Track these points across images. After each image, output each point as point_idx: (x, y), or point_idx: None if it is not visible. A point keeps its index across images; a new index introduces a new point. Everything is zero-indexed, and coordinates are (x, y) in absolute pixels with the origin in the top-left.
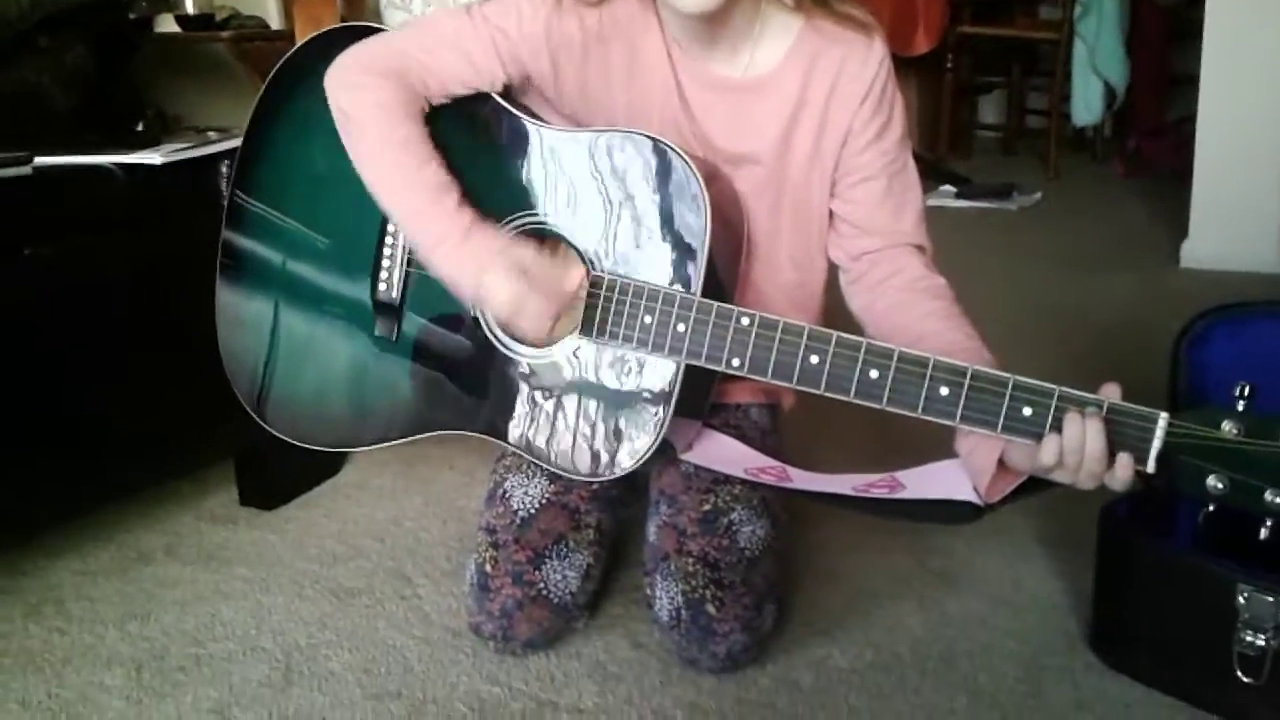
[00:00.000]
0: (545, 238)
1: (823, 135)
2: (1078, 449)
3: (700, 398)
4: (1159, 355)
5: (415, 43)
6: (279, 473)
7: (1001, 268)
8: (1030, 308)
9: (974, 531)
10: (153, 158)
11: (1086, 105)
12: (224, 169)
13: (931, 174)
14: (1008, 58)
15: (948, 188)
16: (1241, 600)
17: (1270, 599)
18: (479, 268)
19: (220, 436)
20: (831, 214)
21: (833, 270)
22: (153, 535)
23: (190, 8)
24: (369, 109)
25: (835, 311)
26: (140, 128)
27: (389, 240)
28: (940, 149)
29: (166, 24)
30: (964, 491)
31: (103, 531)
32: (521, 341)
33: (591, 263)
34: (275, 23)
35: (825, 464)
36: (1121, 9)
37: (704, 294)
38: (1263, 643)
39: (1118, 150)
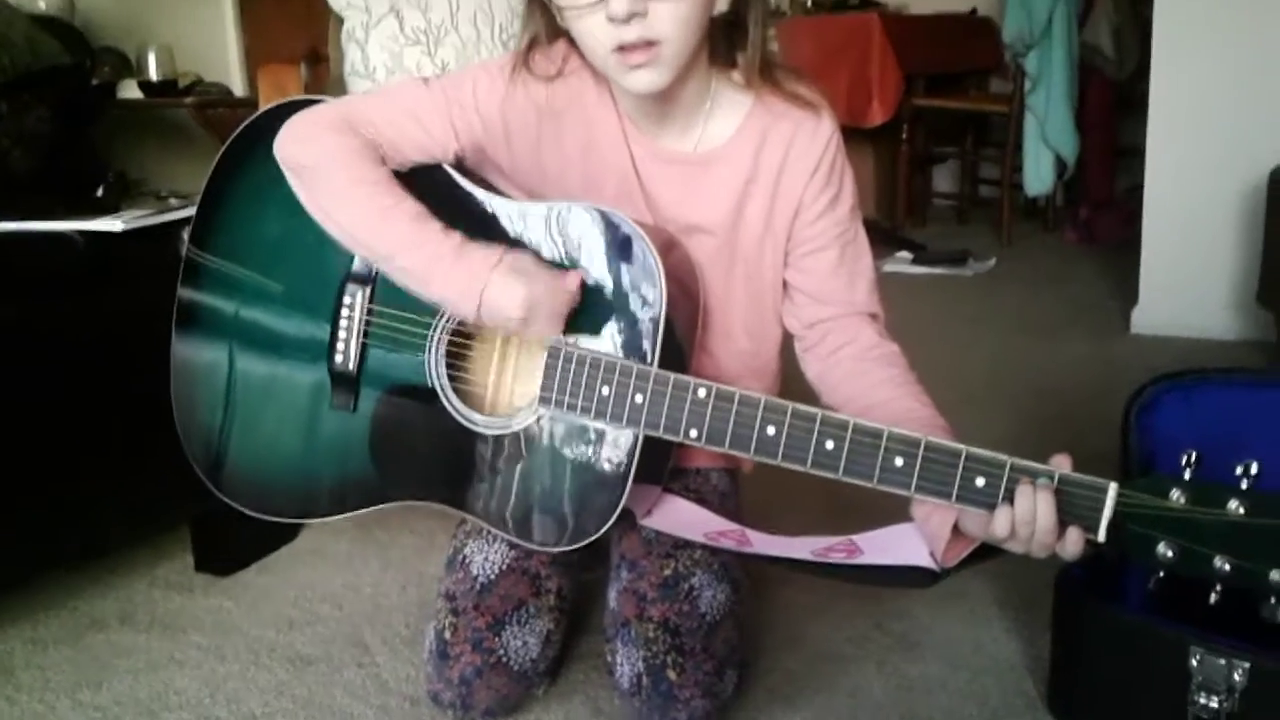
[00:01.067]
0: None
1: (774, 207)
2: (1029, 520)
3: (659, 465)
4: (1111, 420)
5: (370, 108)
6: (235, 539)
7: (957, 333)
8: (985, 373)
9: (933, 595)
10: (114, 225)
11: (1038, 175)
12: (184, 235)
13: (888, 241)
14: (961, 129)
15: (904, 254)
16: (1194, 663)
17: (1222, 661)
18: (480, 282)
19: (175, 502)
20: (786, 284)
21: (788, 338)
22: (106, 602)
23: (154, 74)
24: (332, 155)
25: (792, 378)
26: (100, 193)
27: (345, 310)
28: (897, 217)
29: (130, 90)
30: (920, 557)
31: (55, 598)
32: (477, 403)
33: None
34: (239, 89)
35: (784, 526)
36: (1070, 83)
37: (662, 363)
38: (1216, 705)
39: (1069, 219)
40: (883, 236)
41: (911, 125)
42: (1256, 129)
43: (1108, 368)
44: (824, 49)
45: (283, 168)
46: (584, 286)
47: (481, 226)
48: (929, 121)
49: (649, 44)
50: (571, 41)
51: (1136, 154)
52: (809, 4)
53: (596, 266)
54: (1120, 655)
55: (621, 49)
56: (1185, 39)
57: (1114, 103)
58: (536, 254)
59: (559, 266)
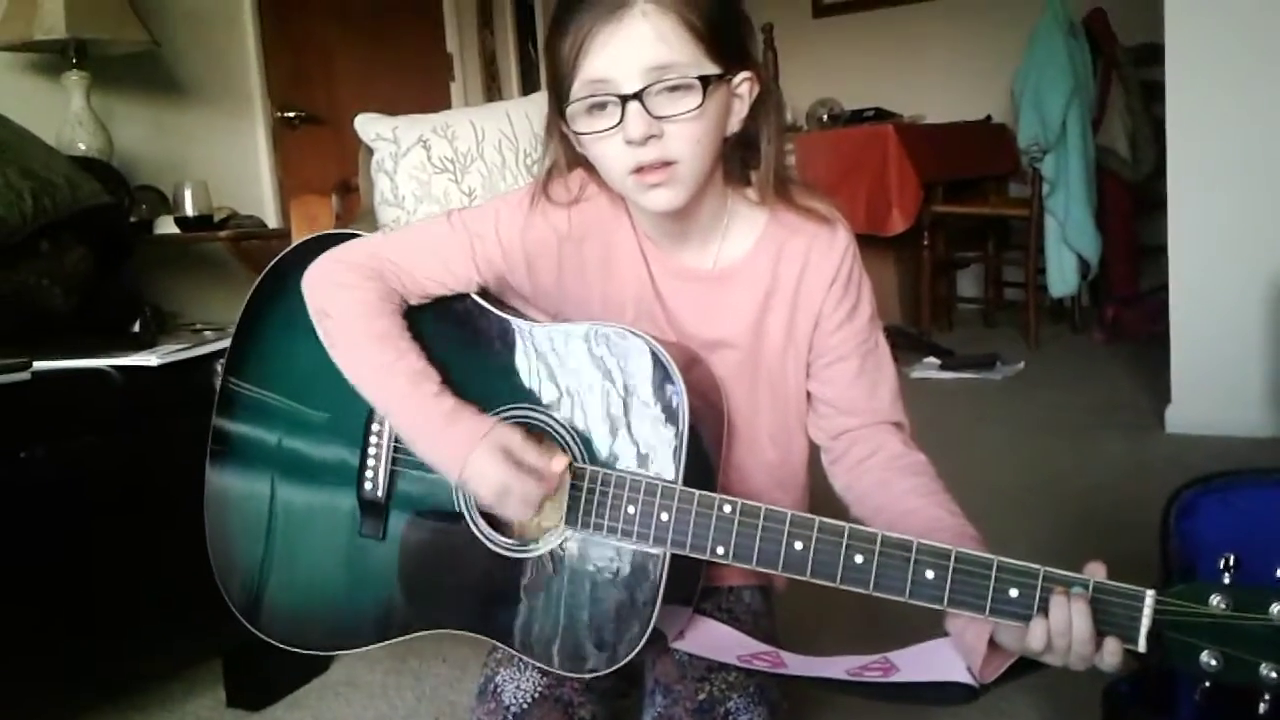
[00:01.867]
0: (527, 430)
1: (794, 319)
2: (1065, 632)
3: (689, 585)
4: (1148, 523)
5: (393, 247)
6: (266, 672)
7: (987, 438)
8: (1017, 477)
9: (973, 712)
10: (149, 359)
11: (1062, 277)
12: (219, 367)
13: (915, 347)
14: (982, 233)
15: (932, 360)
16: None
17: None
18: (463, 453)
19: (208, 635)
20: (809, 395)
21: (814, 450)
22: None
23: (190, 209)
24: (346, 304)
25: (820, 491)
26: (137, 328)
27: (373, 438)
28: (923, 323)
29: (166, 225)
30: (958, 672)
31: None
32: (506, 527)
33: (573, 453)
34: (272, 221)
35: (820, 643)
36: (1088, 185)
37: (687, 480)
38: None
39: (1096, 319)
40: (909, 343)
41: (932, 232)
42: (1277, 223)
43: (1143, 468)
44: (842, 161)
45: (308, 308)
46: (570, 470)
47: (500, 350)
48: (950, 227)
49: (665, 164)
50: (588, 169)
51: (1160, 252)
52: (825, 118)
53: (618, 384)
54: None
55: (639, 170)
56: (1198, 138)
57: (1133, 203)
58: (527, 424)
59: (559, 444)
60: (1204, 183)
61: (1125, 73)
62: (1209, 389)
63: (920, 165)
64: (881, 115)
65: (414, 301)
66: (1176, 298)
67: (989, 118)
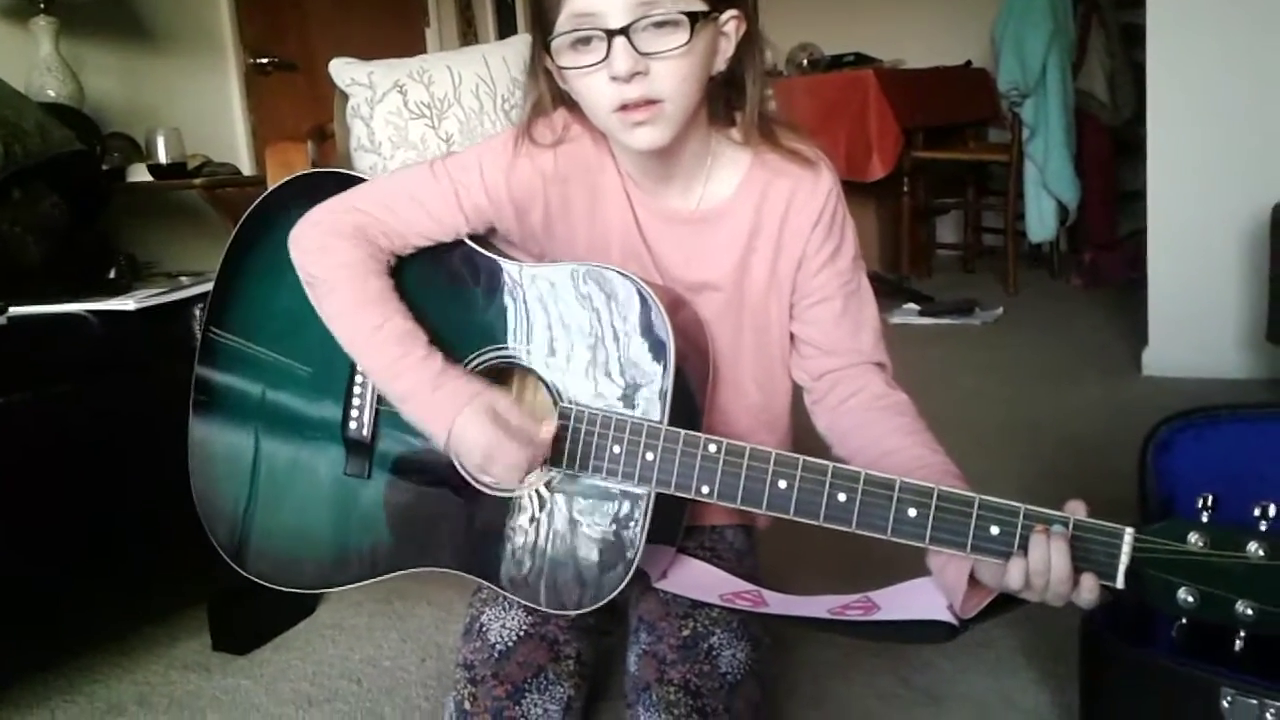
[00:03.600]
0: (514, 371)
1: (778, 261)
2: (1043, 571)
3: (673, 525)
4: (1126, 463)
5: (376, 200)
6: (252, 616)
7: (968, 382)
8: (998, 421)
9: (958, 647)
10: (126, 304)
11: (1040, 222)
12: (197, 312)
13: (895, 293)
14: (962, 179)
15: (911, 306)
16: (1226, 704)
17: (1254, 701)
18: (451, 415)
19: (192, 581)
20: (793, 336)
21: (798, 392)
22: (124, 685)
23: (163, 157)
24: (334, 269)
25: (803, 432)
26: (112, 275)
27: (359, 378)
28: (902, 269)
29: (139, 173)
30: (938, 610)
31: (72, 683)
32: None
33: (560, 394)
34: (247, 169)
35: (803, 583)
36: (1067, 130)
37: (672, 421)
38: None
39: (1074, 264)
40: (889, 289)
41: (912, 178)
42: (1255, 167)
43: (1121, 411)
44: (822, 107)
45: (297, 270)
46: (558, 437)
47: (487, 291)
48: (930, 173)
49: (650, 102)
50: (572, 108)
51: (1138, 197)
52: (804, 63)
53: (605, 325)
54: (1150, 700)
55: (624, 108)
56: (1178, 81)
57: (1112, 147)
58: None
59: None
60: (1183, 126)
61: (1105, 16)
62: (1185, 332)
63: (900, 111)
64: (861, 60)
65: (402, 253)
66: (1154, 242)
67: (969, 63)
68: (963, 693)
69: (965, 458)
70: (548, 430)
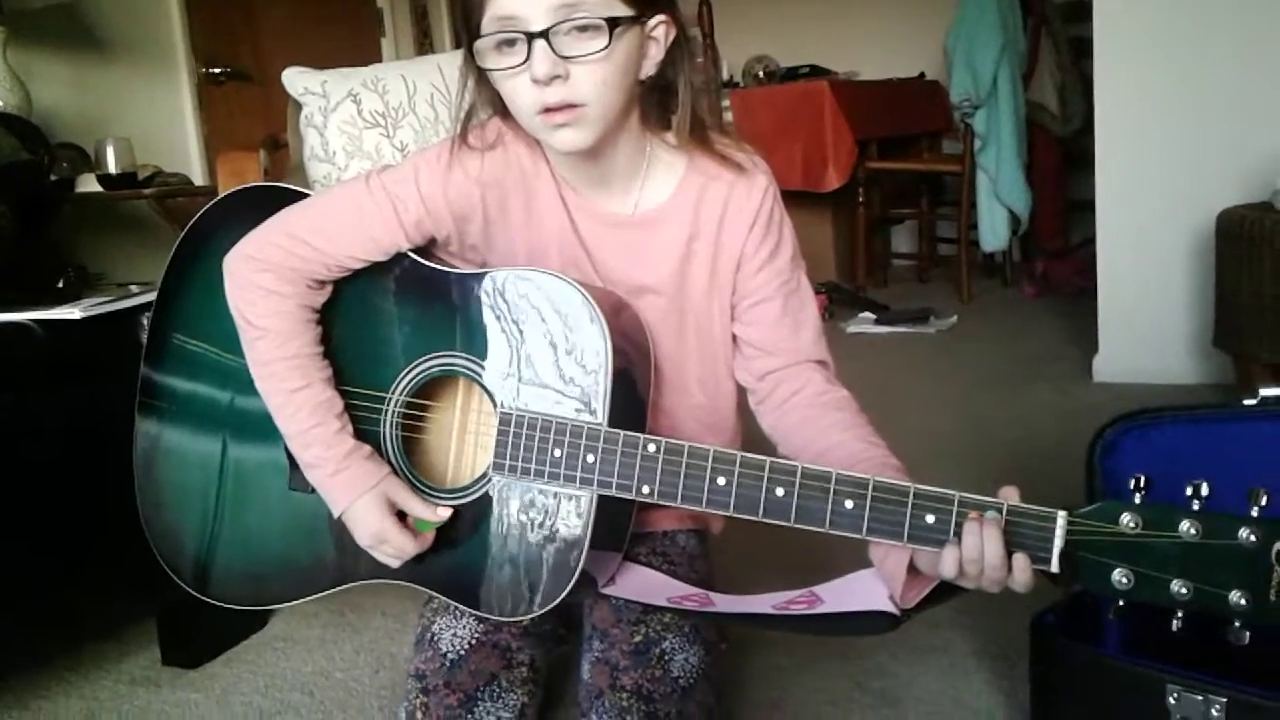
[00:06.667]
0: (457, 378)
1: (717, 263)
2: (977, 558)
3: (619, 530)
4: (1077, 467)
5: (312, 225)
6: (202, 630)
7: (923, 390)
8: (952, 428)
9: (912, 650)
10: (72, 312)
11: (993, 232)
12: (145, 321)
13: (852, 303)
14: (917, 190)
15: (867, 315)
16: (1172, 700)
17: (1199, 697)
18: (349, 499)
19: (140, 595)
20: (735, 337)
21: (744, 395)
22: (71, 701)
23: (113, 167)
24: (263, 318)
25: (752, 436)
26: (61, 285)
27: None
28: (859, 278)
29: (89, 184)
30: (880, 601)
31: (20, 699)
32: (435, 473)
33: (499, 399)
34: (199, 179)
35: (756, 588)
36: (1019, 140)
37: (615, 423)
38: None
39: (1026, 273)
40: (846, 298)
41: (867, 188)
42: (1200, 176)
43: (1072, 416)
44: (778, 118)
45: (228, 300)
46: (499, 442)
47: (425, 298)
48: (885, 184)
49: (571, 105)
50: (505, 114)
51: (1088, 207)
52: (760, 74)
53: (544, 329)
54: (1098, 697)
55: (546, 110)
56: (1126, 92)
57: (1062, 158)
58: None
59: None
60: (1131, 137)
61: (1054, 29)
62: (1134, 339)
63: (855, 122)
64: (816, 72)
65: (341, 276)
66: (1104, 251)
67: (922, 74)
68: (917, 695)
69: (921, 464)
70: (444, 513)
